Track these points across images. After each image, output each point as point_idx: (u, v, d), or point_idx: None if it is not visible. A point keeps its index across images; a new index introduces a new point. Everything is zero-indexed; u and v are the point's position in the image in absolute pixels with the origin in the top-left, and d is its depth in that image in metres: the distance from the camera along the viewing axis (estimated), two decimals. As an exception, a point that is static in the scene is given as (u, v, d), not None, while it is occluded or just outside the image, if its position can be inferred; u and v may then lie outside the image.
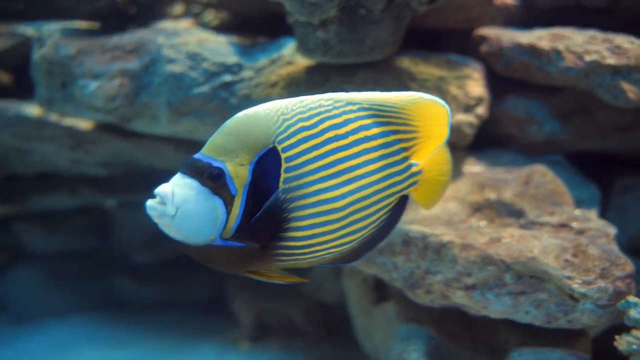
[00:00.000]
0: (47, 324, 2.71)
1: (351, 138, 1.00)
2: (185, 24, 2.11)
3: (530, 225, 1.57)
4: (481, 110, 1.76)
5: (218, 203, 0.93)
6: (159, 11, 2.15)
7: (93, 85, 1.70)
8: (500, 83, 1.91)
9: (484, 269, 1.42)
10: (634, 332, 1.20)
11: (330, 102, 1.01)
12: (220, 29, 2.02)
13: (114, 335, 2.58)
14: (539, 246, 1.40)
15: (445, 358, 1.56)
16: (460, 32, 1.99)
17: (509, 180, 1.72)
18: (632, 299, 1.24)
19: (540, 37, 1.78)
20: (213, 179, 0.93)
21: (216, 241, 0.94)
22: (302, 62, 1.74)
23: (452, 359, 1.58)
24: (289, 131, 0.96)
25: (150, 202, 0.92)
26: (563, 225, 1.54)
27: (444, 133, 1.11)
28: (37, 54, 1.83)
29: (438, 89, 1.70)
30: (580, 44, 1.70)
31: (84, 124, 1.99)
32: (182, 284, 2.78)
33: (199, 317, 2.64)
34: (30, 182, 2.39)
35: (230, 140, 0.94)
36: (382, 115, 1.04)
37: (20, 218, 2.70)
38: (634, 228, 1.78)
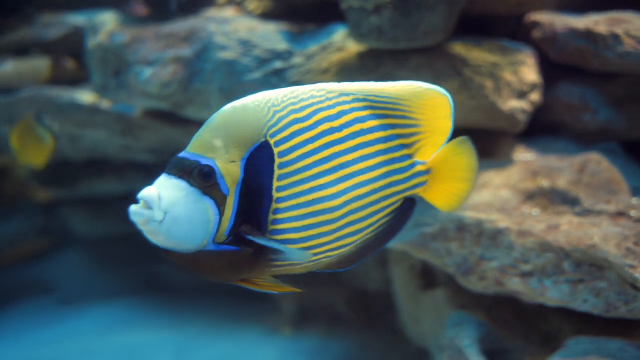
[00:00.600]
0: (92, 306, 2.78)
1: (346, 131, 0.91)
2: (229, 12, 2.13)
3: (586, 213, 1.55)
4: (535, 96, 1.73)
5: (209, 204, 0.85)
6: (205, -1, 2.18)
7: (148, 71, 1.73)
8: (551, 69, 1.87)
9: (542, 256, 1.40)
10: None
11: (322, 93, 0.92)
12: (264, 16, 2.03)
13: (158, 319, 2.64)
14: (599, 234, 1.38)
15: (496, 345, 1.56)
16: (509, 17, 1.96)
17: (562, 168, 1.69)
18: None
19: (596, 22, 1.73)
20: (203, 178, 0.84)
21: (209, 246, 0.85)
22: (353, 48, 1.74)
23: (503, 346, 1.57)
24: (281, 123, 0.88)
25: (133, 208, 0.83)
26: (621, 214, 1.52)
27: (447, 126, 0.99)
28: (92, 42, 1.88)
29: (491, 75, 1.68)
30: (640, 28, 1.66)
31: (134, 109, 2.03)
32: (224, 269, 2.82)
33: (239, 302, 2.69)
34: (80, 168, 2.46)
35: (218, 136, 0.86)
36: (378, 107, 0.94)
37: (68, 203, 2.78)
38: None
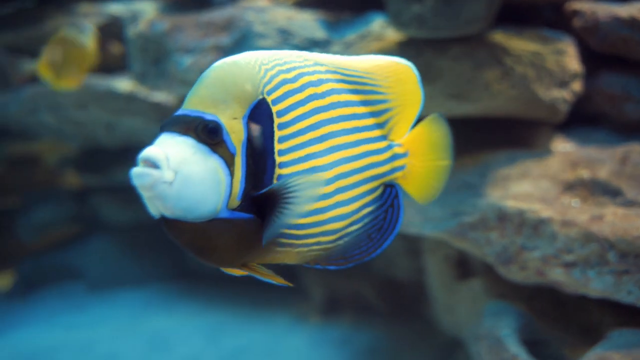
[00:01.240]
0: (121, 292, 2.83)
1: (328, 99, 0.84)
2: (263, 1, 2.13)
3: (629, 204, 1.53)
4: (577, 86, 1.71)
5: (219, 163, 0.74)
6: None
7: (188, 60, 1.74)
8: (591, 59, 1.85)
9: (586, 246, 1.40)
10: None
11: (301, 59, 0.84)
12: (298, 5, 2.03)
13: (187, 306, 2.68)
14: (646, 225, 1.37)
15: (535, 336, 1.56)
16: (545, 6, 1.94)
17: (603, 159, 1.67)
18: None
19: (641, 10, 1.71)
20: (209, 134, 0.74)
21: (222, 212, 0.74)
22: (392, 37, 1.73)
23: (542, 338, 1.57)
24: (273, 82, 0.80)
25: (137, 170, 0.71)
26: (665, 205, 1.50)
27: (417, 99, 0.90)
28: (132, 31, 1.90)
29: (533, 64, 1.66)
30: (686, 17, 1.63)
31: (170, 98, 2.06)
32: (253, 257, 2.84)
33: (269, 290, 2.71)
34: (113, 155, 2.50)
35: (216, 91, 0.77)
36: (349, 82, 0.86)
37: (100, 190, 2.82)
38: None
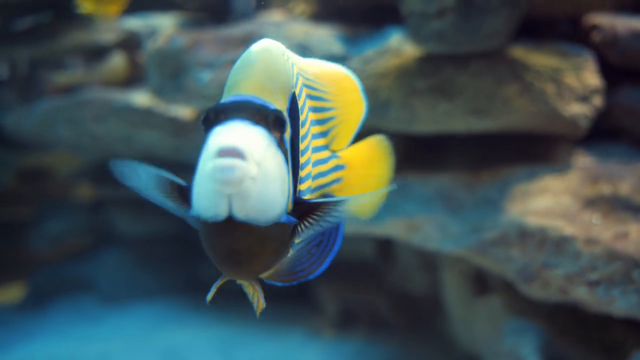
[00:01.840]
0: (135, 304, 2.82)
1: (302, 100, 0.75)
2: (278, 15, 2.14)
3: (652, 221, 1.52)
4: (597, 101, 1.70)
5: (283, 159, 0.64)
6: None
7: (208, 75, 1.75)
8: (611, 73, 1.84)
9: (610, 265, 1.38)
10: None
11: (285, 56, 0.75)
12: (314, 19, 2.04)
13: (200, 319, 2.66)
14: (672, 243, 1.35)
15: (557, 354, 1.54)
16: (562, 20, 1.94)
17: (625, 175, 1.66)
18: None
19: (661, 25, 1.70)
20: (279, 127, 0.64)
21: (283, 216, 0.64)
22: (411, 52, 1.73)
23: (563, 356, 1.55)
24: (294, 76, 0.72)
25: (226, 162, 0.58)
26: (689, 222, 1.48)
27: (359, 112, 0.84)
28: (151, 46, 1.91)
29: (553, 80, 1.65)
30: None
31: (186, 112, 2.06)
32: (266, 270, 2.84)
33: (281, 304, 2.70)
34: (129, 168, 2.49)
35: (266, 79, 0.67)
36: (308, 86, 0.78)
37: (113, 202, 2.83)
38: None
